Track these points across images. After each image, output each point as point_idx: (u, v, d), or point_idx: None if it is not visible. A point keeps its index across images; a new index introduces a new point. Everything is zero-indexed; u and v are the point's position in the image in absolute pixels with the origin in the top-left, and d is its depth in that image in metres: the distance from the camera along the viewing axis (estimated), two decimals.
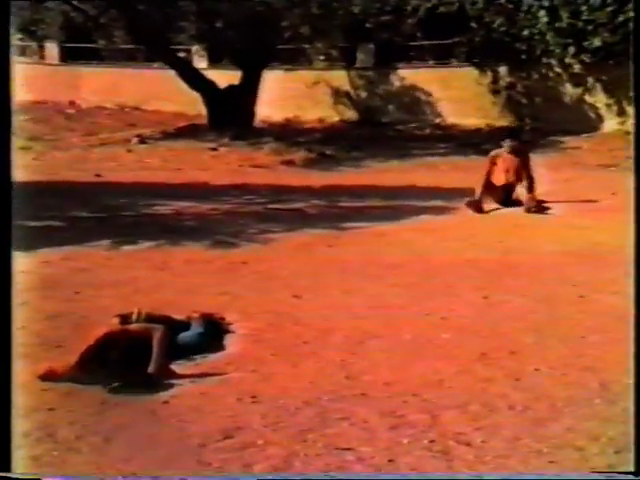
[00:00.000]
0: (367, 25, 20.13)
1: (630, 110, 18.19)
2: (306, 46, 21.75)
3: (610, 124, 18.41)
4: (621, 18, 17.04)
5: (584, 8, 17.54)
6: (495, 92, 18.95)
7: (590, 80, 18.48)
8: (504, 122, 18.31)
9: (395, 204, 10.08)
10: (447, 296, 6.42)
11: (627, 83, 17.73)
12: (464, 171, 10.88)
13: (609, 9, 17.23)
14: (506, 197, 10.44)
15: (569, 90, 18.52)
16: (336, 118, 21.41)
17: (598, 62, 17.93)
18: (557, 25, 18.06)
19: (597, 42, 17.50)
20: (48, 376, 4.84)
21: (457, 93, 20.08)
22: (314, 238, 8.74)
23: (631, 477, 3.59)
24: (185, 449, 4.00)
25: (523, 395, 4.56)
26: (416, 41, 21.72)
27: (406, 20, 21.19)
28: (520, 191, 10.48)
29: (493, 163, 10.52)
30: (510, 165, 10.46)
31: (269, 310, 6.06)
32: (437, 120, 20.45)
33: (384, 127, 20.16)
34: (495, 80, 19.45)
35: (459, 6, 20.70)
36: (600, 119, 18.53)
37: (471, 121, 17.98)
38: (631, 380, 4.12)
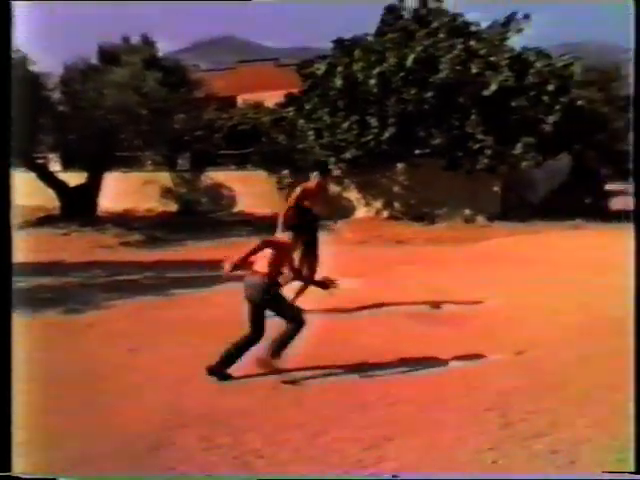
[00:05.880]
0: (185, 138, 20.10)
1: (375, 203, 19.25)
2: (138, 154, 21.38)
3: (361, 212, 19.31)
4: (362, 140, 18.08)
5: (338, 130, 18.52)
6: (281, 189, 19.35)
7: (346, 181, 19.38)
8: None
9: (210, 275, 9.94)
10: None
11: (372, 183, 18.82)
12: None
13: (354, 132, 18.22)
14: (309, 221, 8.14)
15: (332, 188, 19.33)
16: (161, 209, 21.06)
17: (351, 169, 18.86)
18: (321, 142, 18.89)
19: (348, 155, 18.43)
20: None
21: (253, 189, 20.40)
22: (147, 303, 8.46)
23: (631, 477, 3.14)
24: None
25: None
26: (222, 150, 21.92)
27: (214, 135, 21.44)
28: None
29: (303, 194, 8.22)
30: (313, 195, 8.33)
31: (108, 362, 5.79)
32: (239, 210, 20.60)
33: (199, 215, 20.04)
34: (280, 180, 19.92)
35: (253, 125, 21.31)
36: (353, 208, 19.37)
37: (264, 210, 18.13)
38: None
